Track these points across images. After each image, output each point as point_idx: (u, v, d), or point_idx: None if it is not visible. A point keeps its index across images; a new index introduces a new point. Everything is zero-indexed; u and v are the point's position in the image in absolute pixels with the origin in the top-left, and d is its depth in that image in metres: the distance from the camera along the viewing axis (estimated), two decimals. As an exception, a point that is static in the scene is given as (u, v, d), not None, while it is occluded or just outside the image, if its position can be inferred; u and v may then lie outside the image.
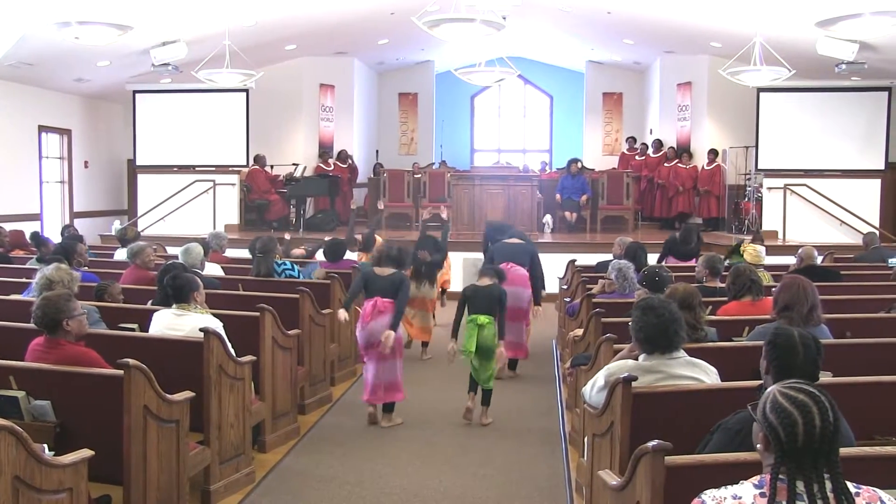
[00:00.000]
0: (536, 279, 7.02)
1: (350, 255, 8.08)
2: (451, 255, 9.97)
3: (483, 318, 5.69)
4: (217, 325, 4.42)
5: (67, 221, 13.10)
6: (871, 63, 10.59)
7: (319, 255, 8.16)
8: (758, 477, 1.96)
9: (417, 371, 7.22)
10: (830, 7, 7.90)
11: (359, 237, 8.73)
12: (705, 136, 14.32)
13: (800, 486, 1.87)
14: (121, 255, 7.90)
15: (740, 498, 1.91)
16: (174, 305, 4.60)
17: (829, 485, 1.87)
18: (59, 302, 3.74)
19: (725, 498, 1.92)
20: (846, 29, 7.95)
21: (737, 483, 1.96)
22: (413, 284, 7.58)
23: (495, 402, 5.83)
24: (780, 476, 1.89)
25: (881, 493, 1.93)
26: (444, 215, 9.86)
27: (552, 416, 5.95)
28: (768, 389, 2.01)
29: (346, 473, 4.73)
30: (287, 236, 10.11)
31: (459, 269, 10.62)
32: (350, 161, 15.20)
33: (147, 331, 4.71)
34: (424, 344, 7.80)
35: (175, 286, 4.59)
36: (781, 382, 2.01)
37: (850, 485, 1.89)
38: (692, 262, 9.12)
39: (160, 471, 3.71)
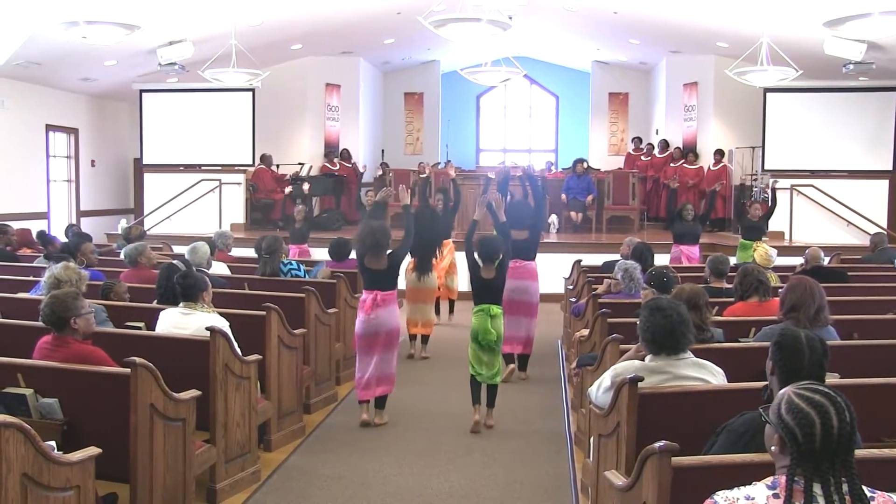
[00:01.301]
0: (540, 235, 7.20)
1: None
2: (454, 254, 9.97)
3: (495, 309, 5.66)
4: (223, 325, 4.44)
5: (74, 220, 13.14)
6: (880, 63, 10.55)
7: (325, 255, 8.17)
8: (771, 478, 1.95)
9: (421, 371, 7.22)
10: (838, 7, 7.87)
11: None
12: (711, 136, 14.29)
13: (816, 488, 1.86)
14: (126, 253, 7.92)
15: (753, 499, 1.90)
16: (181, 304, 4.62)
17: (844, 487, 1.86)
18: (67, 300, 3.76)
19: (738, 499, 1.91)
20: (854, 29, 7.90)
21: (747, 484, 1.95)
22: (415, 276, 7.58)
23: (500, 402, 5.82)
24: (796, 478, 1.87)
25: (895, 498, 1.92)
26: (451, 173, 9.40)
27: (557, 417, 5.94)
28: (782, 391, 1.99)
29: (350, 473, 4.74)
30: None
31: (464, 270, 10.60)
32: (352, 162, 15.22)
33: (153, 329, 4.73)
34: (425, 340, 7.77)
35: (185, 285, 4.60)
36: (795, 384, 2.00)
37: (865, 489, 1.88)
38: (695, 249, 9.26)
39: (166, 469, 3.73)
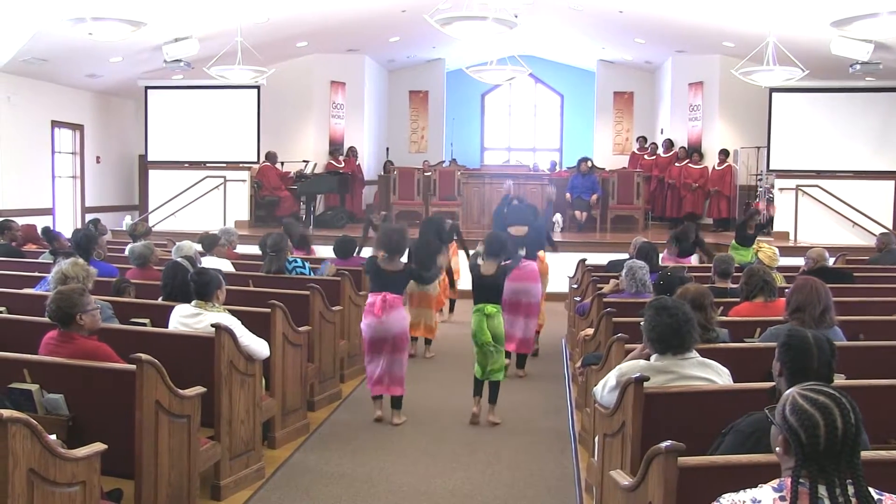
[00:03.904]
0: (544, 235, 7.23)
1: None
2: (458, 253, 9.94)
3: (490, 308, 5.67)
4: (234, 323, 4.40)
5: (79, 217, 13.19)
6: (887, 63, 10.51)
7: (330, 252, 8.17)
8: (777, 480, 1.94)
9: (424, 369, 7.22)
10: (845, 6, 7.85)
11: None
12: (716, 136, 14.26)
13: (822, 490, 1.85)
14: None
15: (759, 501, 1.89)
16: (193, 302, 4.59)
17: (850, 489, 1.85)
18: (73, 296, 3.77)
19: (744, 501, 1.90)
20: (861, 29, 7.88)
21: (753, 486, 1.94)
22: (414, 282, 7.51)
23: (504, 400, 5.82)
24: (801, 480, 1.86)
25: None
26: (451, 219, 9.68)
27: (561, 416, 5.94)
28: (787, 392, 1.98)
29: (354, 470, 4.74)
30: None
31: (467, 269, 10.59)
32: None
33: (159, 326, 4.73)
34: (428, 341, 7.74)
35: (200, 282, 4.56)
36: (800, 385, 1.99)
37: (872, 491, 1.87)
38: (687, 261, 9.24)
39: (171, 465, 3.73)
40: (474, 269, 5.80)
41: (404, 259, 5.81)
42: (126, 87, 13.56)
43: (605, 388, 3.53)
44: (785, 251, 9.55)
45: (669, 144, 14.92)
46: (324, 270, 7.22)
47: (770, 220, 12.36)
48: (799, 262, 8.17)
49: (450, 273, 7.59)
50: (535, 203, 8.24)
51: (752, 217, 9.39)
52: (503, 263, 5.79)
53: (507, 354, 6.77)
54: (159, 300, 5.18)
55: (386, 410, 5.68)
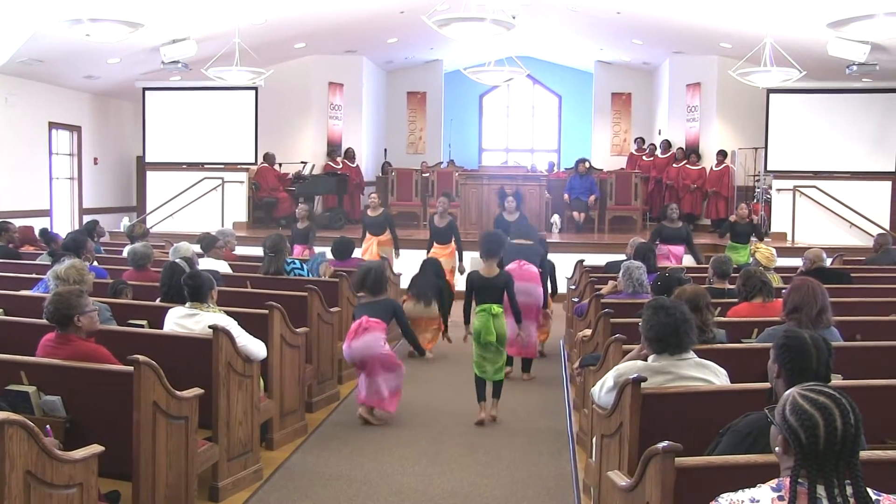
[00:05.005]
0: (546, 280, 7.04)
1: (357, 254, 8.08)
2: (454, 253, 9.92)
3: (496, 308, 5.66)
4: (230, 324, 4.41)
5: (77, 218, 13.18)
6: (883, 64, 10.52)
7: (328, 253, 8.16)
8: (776, 480, 1.94)
9: (424, 370, 7.22)
10: (842, 8, 7.86)
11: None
12: (714, 137, 14.28)
13: (820, 490, 1.85)
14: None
15: (758, 501, 1.90)
16: (188, 304, 4.59)
17: (848, 489, 1.86)
18: (71, 298, 3.76)
19: (743, 501, 1.91)
20: (858, 30, 7.89)
21: (751, 486, 1.95)
22: (412, 303, 7.46)
23: (504, 401, 5.83)
24: (800, 480, 1.87)
25: None
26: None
27: (560, 417, 5.94)
28: (787, 392, 1.99)
29: (353, 471, 4.74)
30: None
31: (468, 267, 10.58)
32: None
33: (156, 327, 4.72)
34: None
35: (193, 286, 4.57)
36: (800, 385, 1.99)
37: (870, 491, 1.87)
38: (678, 250, 9.32)
39: (169, 467, 3.73)
40: (474, 275, 5.81)
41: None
42: (124, 89, 13.55)
43: (603, 388, 3.53)
44: (782, 252, 9.57)
45: (667, 145, 14.95)
46: (314, 265, 7.22)
47: (764, 221, 12.40)
48: (796, 262, 8.18)
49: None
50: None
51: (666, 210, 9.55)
52: (504, 269, 5.83)
53: (510, 360, 6.78)
54: (157, 301, 5.18)
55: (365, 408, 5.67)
